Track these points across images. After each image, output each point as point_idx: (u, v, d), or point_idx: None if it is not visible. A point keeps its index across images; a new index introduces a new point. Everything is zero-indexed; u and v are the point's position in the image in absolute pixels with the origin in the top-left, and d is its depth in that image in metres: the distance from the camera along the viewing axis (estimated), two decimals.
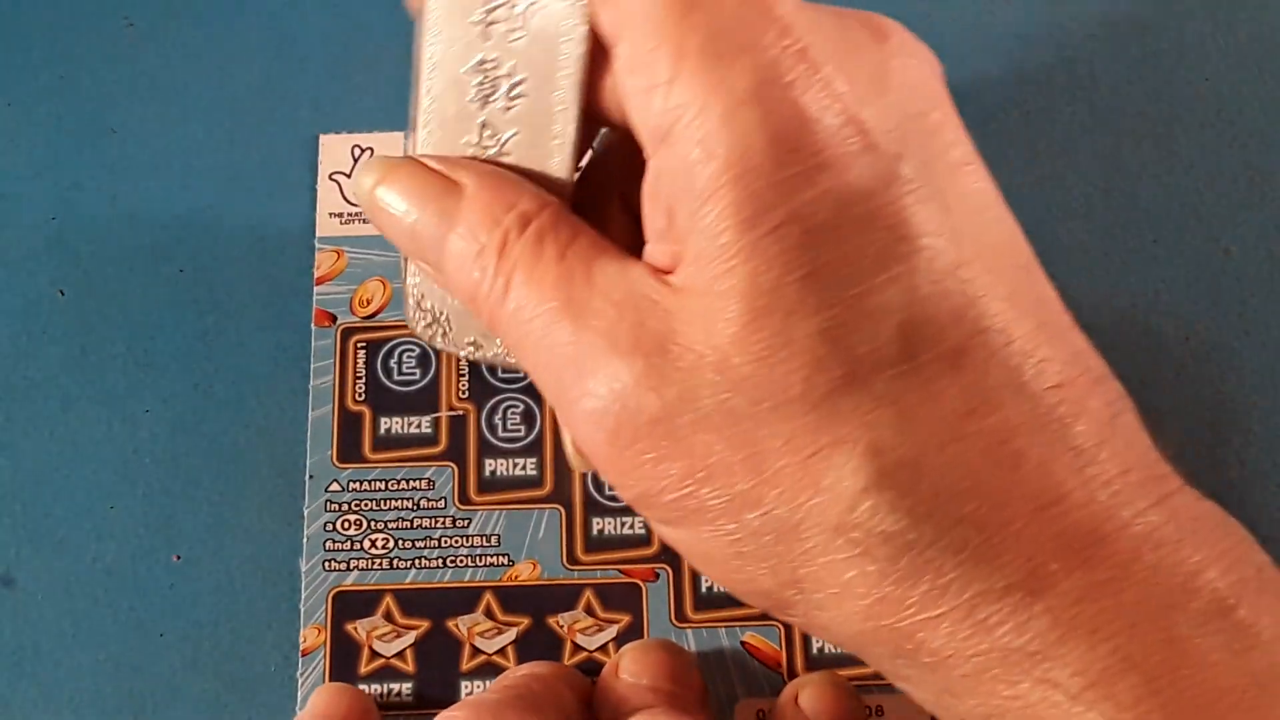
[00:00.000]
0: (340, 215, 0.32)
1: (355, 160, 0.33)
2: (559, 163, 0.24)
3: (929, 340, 0.19)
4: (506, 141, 0.24)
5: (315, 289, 0.31)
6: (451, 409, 0.30)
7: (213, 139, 0.33)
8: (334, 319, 0.31)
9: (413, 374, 0.31)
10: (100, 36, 0.34)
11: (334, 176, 0.32)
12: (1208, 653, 0.19)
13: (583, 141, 0.24)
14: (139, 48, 0.34)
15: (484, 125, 0.24)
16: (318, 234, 0.32)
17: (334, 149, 0.33)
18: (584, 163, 0.26)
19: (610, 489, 0.30)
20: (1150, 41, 0.35)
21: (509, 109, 0.24)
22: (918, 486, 0.19)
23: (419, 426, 0.30)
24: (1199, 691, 0.18)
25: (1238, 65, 0.34)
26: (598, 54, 0.23)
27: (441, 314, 0.26)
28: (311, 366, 0.31)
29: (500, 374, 0.31)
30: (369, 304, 0.31)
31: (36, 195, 0.33)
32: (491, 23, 0.23)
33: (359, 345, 0.31)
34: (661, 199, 0.21)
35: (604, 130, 0.25)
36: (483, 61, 0.23)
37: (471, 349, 0.27)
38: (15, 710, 0.28)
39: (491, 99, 0.24)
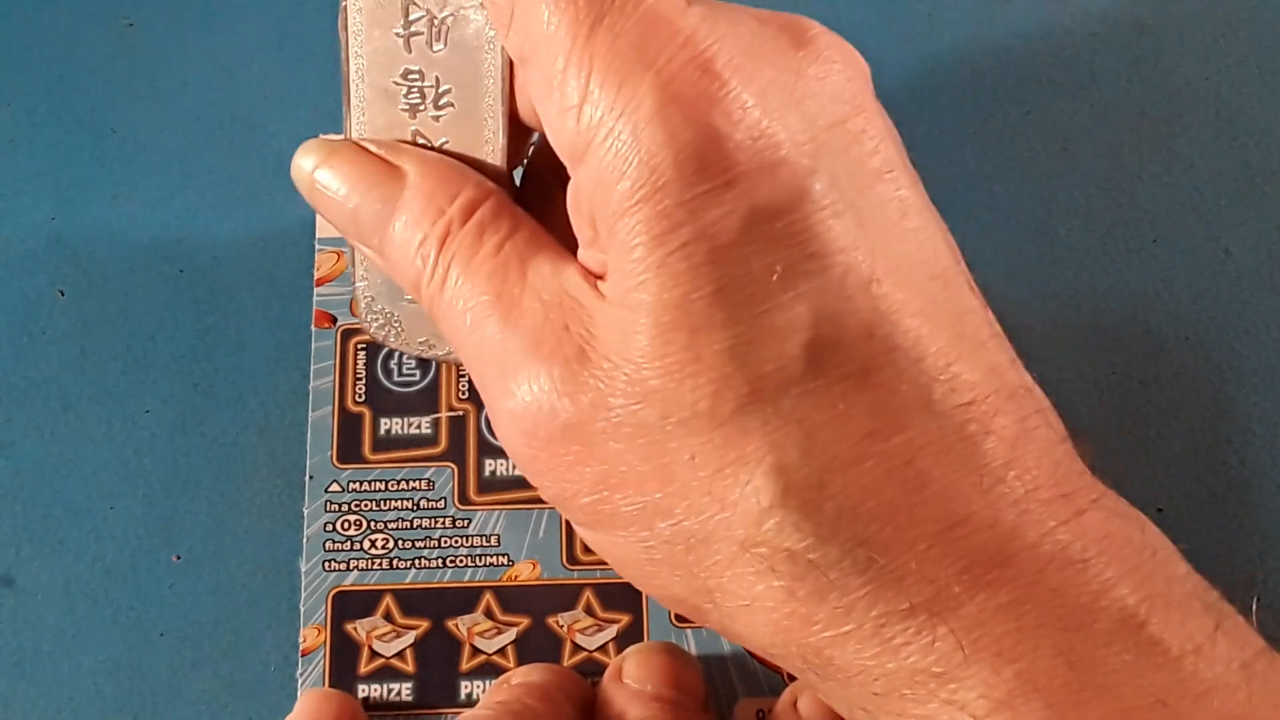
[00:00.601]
0: None
1: None
2: (492, 166, 0.24)
3: (836, 358, 0.19)
4: (440, 148, 0.24)
5: (315, 290, 0.31)
6: (451, 409, 0.30)
7: (213, 139, 0.33)
8: (334, 320, 0.31)
9: (412, 375, 0.31)
10: (100, 36, 0.34)
11: None
12: (1111, 673, 0.18)
13: (516, 143, 0.24)
14: (139, 48, 0.34)
15: (416, 134, 0.24)
16: (318, 235, 0.32)
17: None
18: (529, 153, 0.27)
19: None
20: (1150, 41, 0.35)
21: (439, 117, 0.24)
22: (822, 506, 0.19)
23: (419, 427, 0.30)
24: (1102, 714, 0.18)
25: (1238, 65, 0.34)
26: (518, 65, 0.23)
27: (393, 315, 0.27)
28: (311, 368, 0.31)
29: None
30: None
31: (36, 195, 0.33)
32: (413, 34, 0.23)
33: (359, 346, 0.31)
34: (584, 212, 0.21)
35: None
36: (408, 72, 0.24)
37: (424, 348, 0.27)
38: (15, 710, 0.28)
39: (420, 108, 0.24)
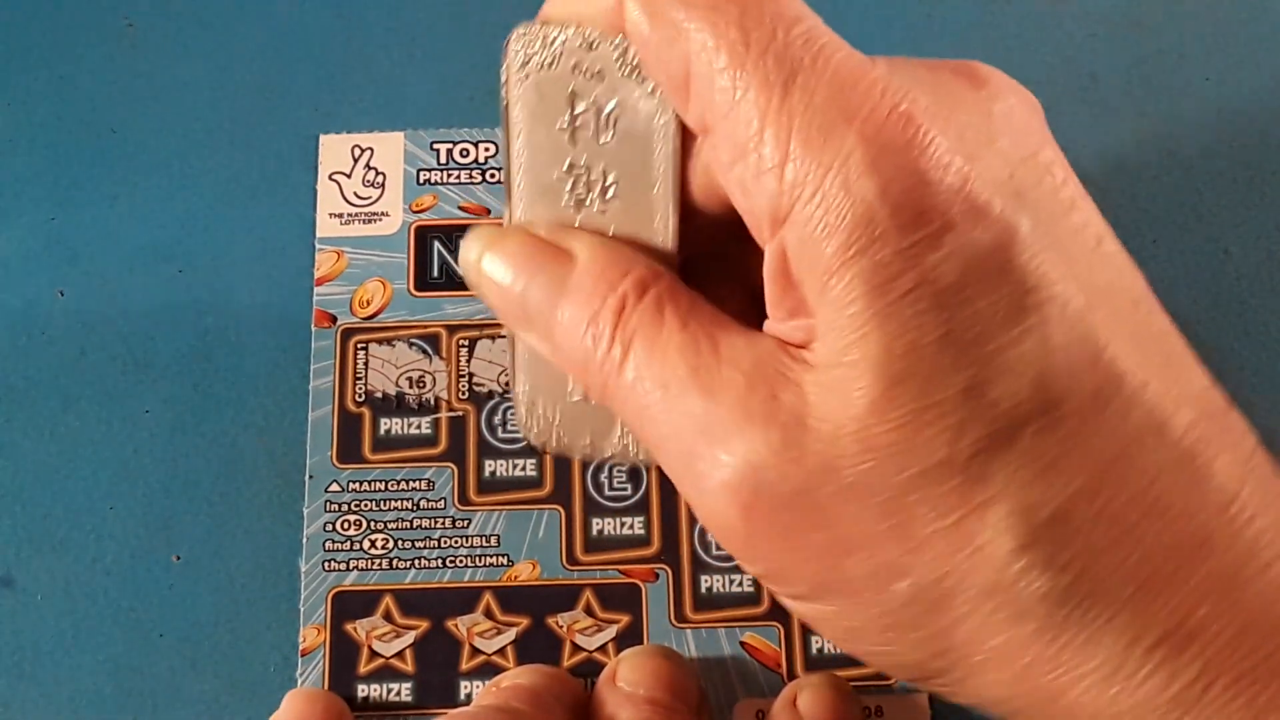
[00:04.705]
0: (340, 215, 0.32)
1: (355, 160, 0.33)
2: (662, 253, 0.23)
3: (1067, 391, 0.19)
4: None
5: (315, 290, 0.31)
6: (451, 410, 0.30)
7: (213, 139, 0.33)
8: (334, 320, 0.31)
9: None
10: (100, 36, 0.34)
11: (334, 176, 0.32)
12: None
13: (684, 230, 0.23)
14: (139, 48, 0.34)
15: (582, 228, 0.23)
16: (318, 234, 0.32)
17: (334, 149, 0.33)
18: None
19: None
20: (1150, 41, 0.35)
21: (605, 209, 0.23)
22: (1070, 542, 0.19)
23: (419, 427, 0.30)
24: None
25: (1238, 65, 0.34)
26: (691, 142, 0.22)
27: (555, 418, 0.25)
28: (311, 367, 0.31)
29: (501, 378, 0.31)
30: (369, 305, 0.31)
31: (36, 195, 0.33)
32: (578, 127, 0.23)
33: (359, 346, 0.31)
34: (787, 277, 0.21)
35: None
36: (572, 166, 0.23)
37: (587, 450, 0.25)
38: (15, 710, 0.28)
39: (586, 202, 0.23)
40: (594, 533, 0.29)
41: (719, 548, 0.29)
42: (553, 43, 0.22)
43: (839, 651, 0.29)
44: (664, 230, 0.23)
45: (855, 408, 0.20)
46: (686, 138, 0.22)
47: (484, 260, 0.24)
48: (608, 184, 0.23)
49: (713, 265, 0.24)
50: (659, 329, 0.22)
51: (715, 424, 0.21)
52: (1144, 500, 0.19)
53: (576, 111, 0.23)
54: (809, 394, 0.20)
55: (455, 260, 0.31)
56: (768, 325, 0.22)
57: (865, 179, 0.19)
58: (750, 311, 0.22)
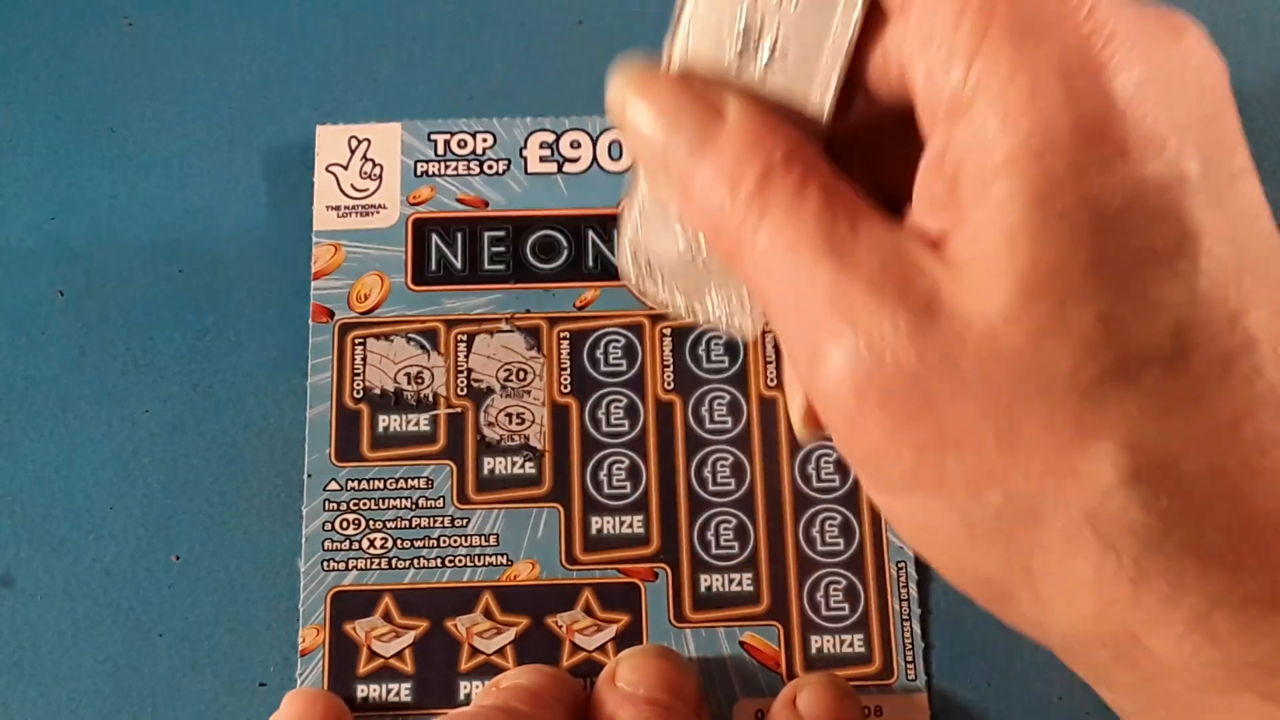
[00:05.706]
0: (337, 208, 0.32)
1: (352, 151, 0.32)
2: (812, 130, 0.23)
3: (1202, 343, 0.19)
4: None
5: (313, 284, 0.31)
6: (450, 406, 0.30)
7: (212, 138, 0.33)
8: (331, 314, 0.31)
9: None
10: (100, 36, 0.34)
11: (331, 168, 0.32)
12: None
13: (839, 111, 0.23)
14: (139, 48, 0.34)
15: (743, 86, 0.23)
16: (315, 228, 0.32)
17: (331, 140, 0.33)
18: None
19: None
20: None
21: (768, 70, 0.23)
22: (1174, 490, 0.19)
23: (417, 424, 0.30)
24: None
25: (1238, 65, 0.34)
26: (870, 24, 0.22)
27: (656, 270, 0.25)
28: (309, 363, 0.31)
29: (499, 372, 0.31)
30: (367, 299, 0.31)
31: (36, 195, 0.33)
32: None
33: (356, 341, 0.31)
34: (945, 171, 0.21)
35: None
36: (746, 20, 0.23)
37: (681, 308, 0.25)
38: (15, 710, 0.28)
39: (749, 61, 0.23)
40: (593, 532, 0.29)
41: (718, 546, 0.29)
42: None
43: (838, 652, 0.28)
44: (820, 105, 0.23)
45: (989, 310, 0.19)
46: (871, 16, 0.22)
47: (629, 104, 0.23)
48: (777, 47, 0.23)
49: (850, 158, 0.23)
50: (802, 198, 0.21)
51: (843, 296, 0.20)
52: (1255, 465, 0.19)
53: None
54: (943, 288, 0.20)
55: (453, 254, 0.31)
56: (909, 220, 0.21)
57: (1053, 89, 0.19)
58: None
